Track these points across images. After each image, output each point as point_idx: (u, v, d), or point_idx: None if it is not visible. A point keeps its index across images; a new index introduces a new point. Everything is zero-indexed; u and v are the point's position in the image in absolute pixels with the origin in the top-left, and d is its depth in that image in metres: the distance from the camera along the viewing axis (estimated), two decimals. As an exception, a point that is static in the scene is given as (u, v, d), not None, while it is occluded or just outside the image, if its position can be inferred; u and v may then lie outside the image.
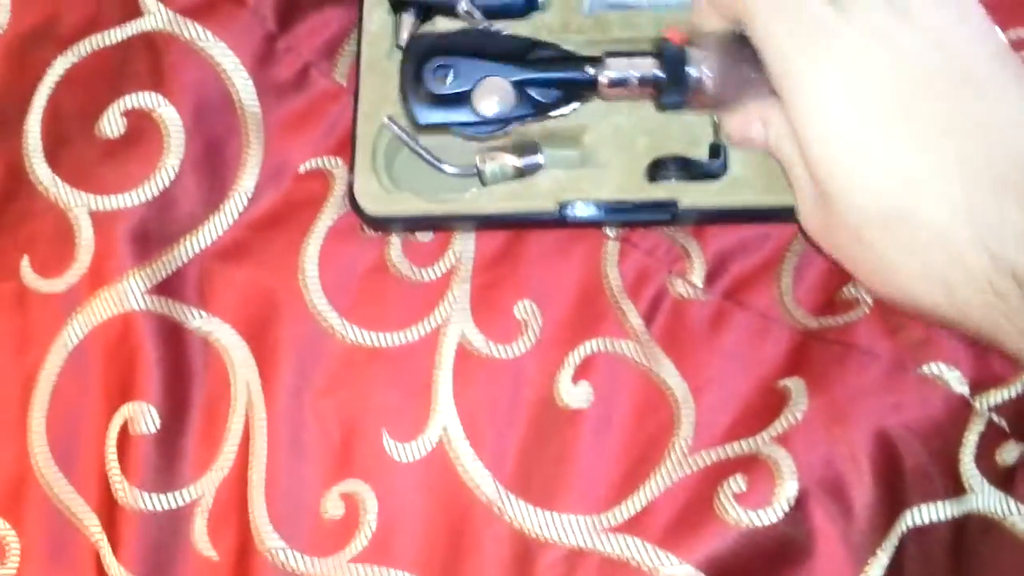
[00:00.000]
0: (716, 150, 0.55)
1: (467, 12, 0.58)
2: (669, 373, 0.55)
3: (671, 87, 0.50)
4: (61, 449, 0.57)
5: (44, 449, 0.57)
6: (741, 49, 0.47)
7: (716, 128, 0.56)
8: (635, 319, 0.57)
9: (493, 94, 0.51)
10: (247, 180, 0.60)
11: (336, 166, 0.60)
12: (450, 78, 0.51)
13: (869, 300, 0.55)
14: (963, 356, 0.53)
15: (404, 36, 0.59)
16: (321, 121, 0.61)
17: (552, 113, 0.54)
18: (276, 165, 0.60)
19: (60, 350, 0.57)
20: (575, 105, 0.54)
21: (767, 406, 0.54)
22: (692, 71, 0.49)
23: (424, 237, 0.59)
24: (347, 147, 0.58)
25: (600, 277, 0.58)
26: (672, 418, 0.55)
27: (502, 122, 0.53)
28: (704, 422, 0.54)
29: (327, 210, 0.59)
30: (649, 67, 0.50)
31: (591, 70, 0.51)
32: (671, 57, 0.49)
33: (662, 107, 0.52)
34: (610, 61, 0.51)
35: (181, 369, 0.57)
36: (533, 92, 0.53)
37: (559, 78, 0.53)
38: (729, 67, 0.48)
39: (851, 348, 0.54)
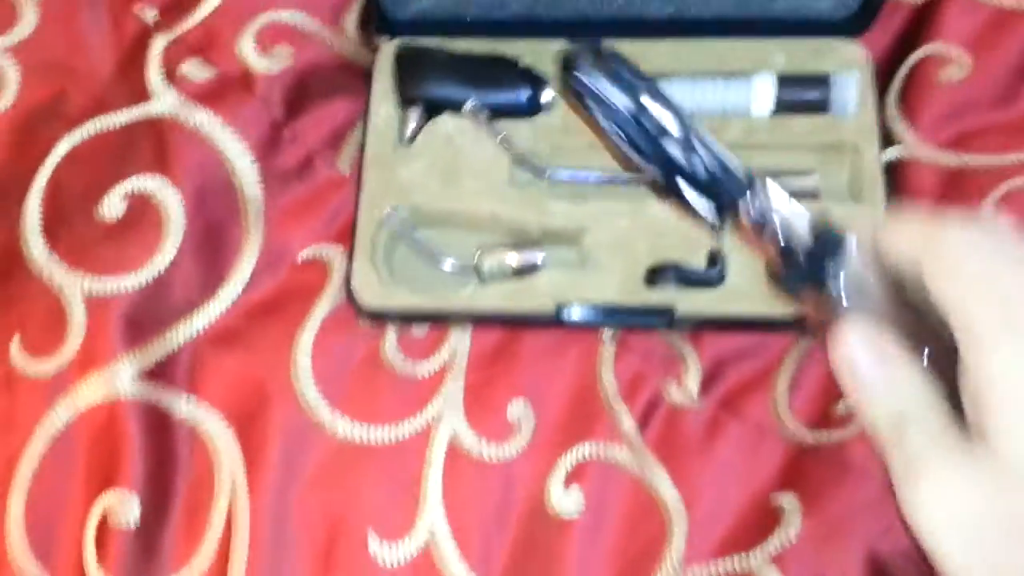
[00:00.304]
0: (714, 258, 0.56)
1: (473, 111, 0.58)
2: (662, 482, 0.54)
3: (807, 268, 0.37)
4: (38, 537, 0.55)
5: (21, 536, 0.55)
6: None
7: (715, 235, 0.56)
8: (629, 424, 0.56)
9: None
10: (245, 267, 0.59)
11: (335, 256, 0.60)
12: None
13: (865, 417, 0.54)
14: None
15: (410, 131, 0.60)
16: (323, 210, 0.61)
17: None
18: (275, 252, 0.60)
19: (44, 434, 0.56)
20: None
21: (760, 522, 0.53)
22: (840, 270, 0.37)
23: (420, 331, 0.59)
24: (347, 237, 0.58)
25: (595, 380, 0.57)
26: (664, 529, 0.54)
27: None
28: (696, 535, 0.53)
29: (323, 300, 0.59)
30: (793, 221, 0.38)
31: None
32: (830, 240, 0.37)
33: (777, 282, 0.40)
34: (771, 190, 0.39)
35: (165, 458, 0.56)
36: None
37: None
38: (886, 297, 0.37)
39: (845, 466, 0.53)
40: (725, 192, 0.38)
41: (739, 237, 0.40)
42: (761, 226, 0.38)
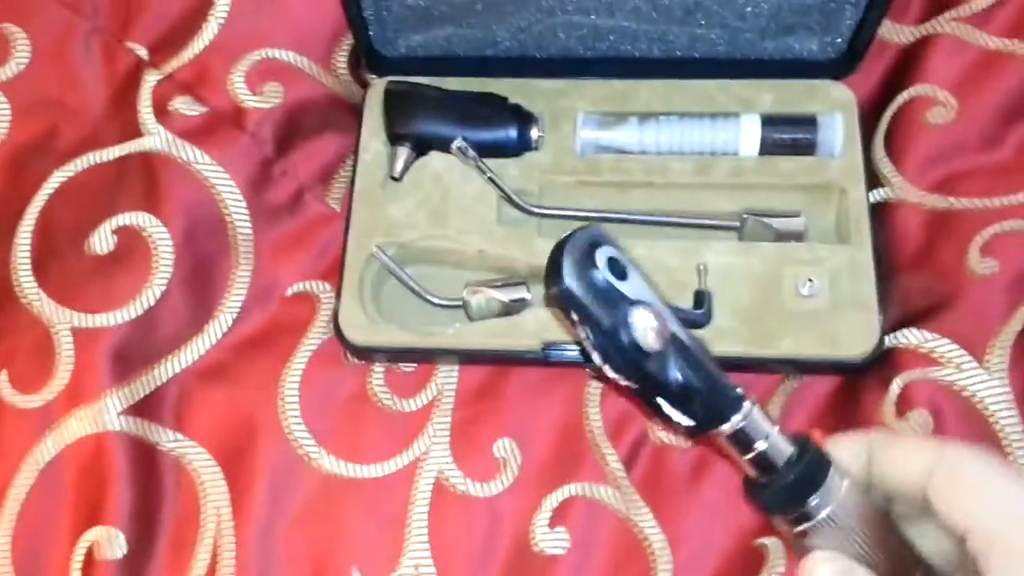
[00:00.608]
0: (700, 298, 0.56)
1: (461, 149, 0.59)
2: (647, 522, 0.54)
3: (784, 491, 0.36)
4: (25, 570, 0.55)
5: (7, 569, 0.55)
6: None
7: (701, 276, 0.56)
8: (615, 463, 0.56)
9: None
10: (233, 301, 0.60)
11: (324, 290, 0.61)
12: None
13: (850, 460, 0.54)
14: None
15: (398, 168, 0.60)
16: (312, 244, 0.62)
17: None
18: (264, 287, 0.60)
19: (32, 467, 0.56)
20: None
21: (745, 563, 0.53)
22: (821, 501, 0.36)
23: (407, 367, 0.59)
24: (336, 271, 0.59)
25: (581, 418, 0.57)
26: (648, 569, 0.54)
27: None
28: (681, 575, 0.53)
29: (311, 335, 0.59)
30: (775, 448, 0.37)
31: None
32: (811, 462, 0.36)
33: (750, 498, 0.38)
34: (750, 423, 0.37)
35: (152, 492, 0.56)
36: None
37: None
38: (870, 525, 0.37)
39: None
40: (709, 409, 0.37)
41: (714, 448, 0.38)
42: (744, 446, 0.36)
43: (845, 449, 0.37)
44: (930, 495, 0.34)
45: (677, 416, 0.37)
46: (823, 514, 0.35)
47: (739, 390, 0.37)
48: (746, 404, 0.36)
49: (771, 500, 0.37)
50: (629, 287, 0.36)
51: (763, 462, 0.36)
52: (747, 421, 0.36)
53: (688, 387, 0.36)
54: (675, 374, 0.36)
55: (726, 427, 0.36)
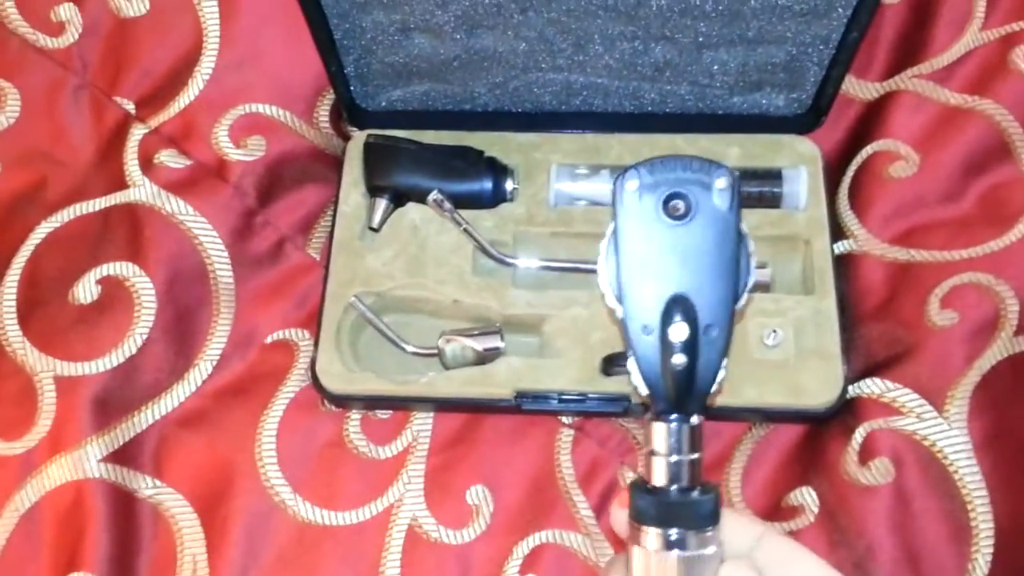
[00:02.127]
0: (669, 348, 0.57)
1: (437, 201, 0.60)
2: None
3: (665, 511, 0.38)
4: (1, 618, 0.56)
5: (-14, 615, 0.56)
6: None
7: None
8: (585, 511, 0.57)
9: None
10: (213, 349, 0.61)
11: (303, 338, 0.62)
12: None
13: (815, 509, 0.55)
14: (904, 572, 0.53)
15: (377, 219, 0.62)
16: (292, 293, 0.63)
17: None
18: (244, 335, 0.62)
19: (12, 514, 0.57)
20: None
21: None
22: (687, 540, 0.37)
23: (383, 415, 0.60)
24: (315, 319, 0.60)
25: (553, 465, 0.58)
26: (617, 617, 0.54)
27: None
28: (649, 623, 0.54)
29: (289, 383, 0.61)
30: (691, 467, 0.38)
31: None
32: (707, 502, 0.37)
33: (632, 495, 0.39)
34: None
35: (129, 539, 0.57)
36: None
37: None
38: None
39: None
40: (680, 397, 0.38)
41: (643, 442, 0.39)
42: (677, 447, 0.37)
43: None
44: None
45: (638, 383, 0.38)
46: (684, 553, 0.36)
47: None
48: (694, 416, 0.38)
49: (648, 509, 0.37)
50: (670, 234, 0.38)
51: (674, 472, 0.37)
52: (697, 428, 0.38)
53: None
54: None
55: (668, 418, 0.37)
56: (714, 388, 0.38)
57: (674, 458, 0.37)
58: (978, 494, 0.53)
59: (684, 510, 0.37)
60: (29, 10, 0.65)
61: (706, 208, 0.38)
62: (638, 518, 0.37)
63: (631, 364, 0.39)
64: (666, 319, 0.37)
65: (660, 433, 0.37)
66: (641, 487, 0.38)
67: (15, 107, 0.65)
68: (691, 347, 0.37)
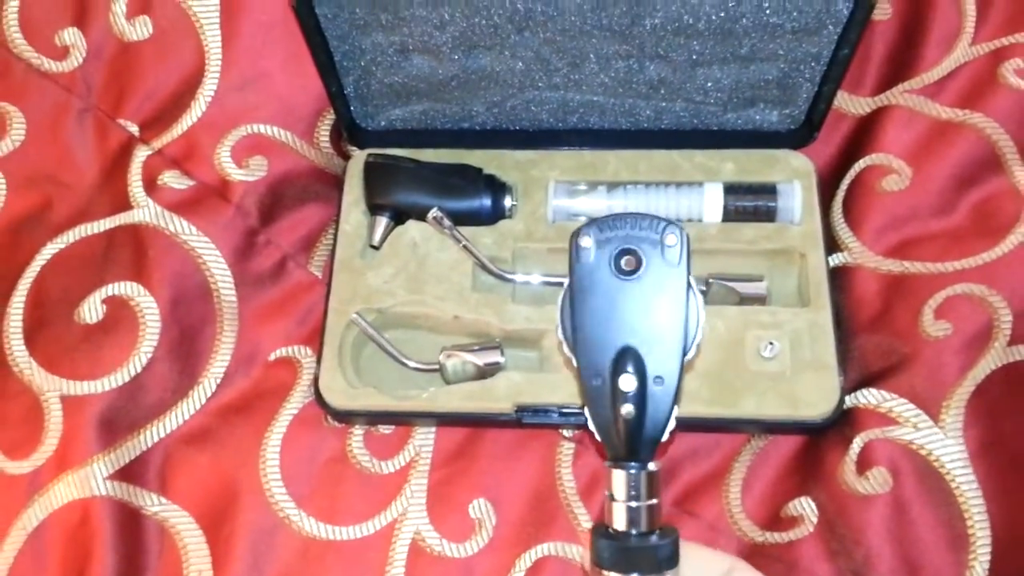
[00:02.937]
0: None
1: (436, 218, 0.61)
2: (617, 581, 0.56)
3: (623, 553, 0.39)
4: (10, 634, 0.57)
5: (-7, 634, 0.57)
6: None
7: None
8: (587, 523, 0.57)
9: None
10: (217, 367, 0.62)
11: (305, 355, 0.63)
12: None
13: (814, 519, 0.56)
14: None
15: (377, 237, 0.62)
16: (295, 310, 0.64)
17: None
18: (248, 352, 0.63)
19: (19, 532, 0.58)
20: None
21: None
22: None
23: (386, 430, 0.61)
24: (317, 336, 0.61)
25: (554, 478, 0.59)
26: (619, 628, 0.55)
27: None
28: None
29: (292, 399, 0.61)
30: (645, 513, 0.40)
31: None
32: (663, 548, 0.39)
33: (593, 540, 0.40)
34: None
35: (136, 556, 0.58)
36: None
37: None
38: None
39: (793, 567, 0.55)
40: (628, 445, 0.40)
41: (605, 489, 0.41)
42: (626, 496, 0.39)
43: None
44: None
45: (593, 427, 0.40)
46: None
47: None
48: (651, 463, 0.39)
49: (607, 553, 0.39)
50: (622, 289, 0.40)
51: (633, 518, 0.39)
52: (654, 475, 0.39)
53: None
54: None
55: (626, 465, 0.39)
56: (665, 437, 0.40)
57: (633, 504, 0.39)
58: (975, 502, 0.54)
59: (642, 554, 0.38)
60: (34, 34, 0.66)
61: (657, 264, 0.40)
62: (599, 562, 0.39)
63: (586, 412, 0.41)
64: (616, 370, 0.39)
65: (618, 479, 0.39)
66: (602, 531, 0.40)
67: (20, 130, 0.66)
68: (640, 398, 0.39)
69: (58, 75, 0.66)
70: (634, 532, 0.39)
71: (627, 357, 0.39)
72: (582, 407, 0.43)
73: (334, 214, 0.65)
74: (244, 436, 0.60)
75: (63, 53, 0.66)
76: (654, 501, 0.39)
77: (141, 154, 0.66)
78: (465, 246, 0.61)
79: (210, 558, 0.58)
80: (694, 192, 0.62)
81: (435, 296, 0.61)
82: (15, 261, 0.64)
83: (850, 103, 0.65)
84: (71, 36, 0.66)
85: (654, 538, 0.39)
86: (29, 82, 0.66)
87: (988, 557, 0.53)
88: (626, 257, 0.40)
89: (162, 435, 0.60)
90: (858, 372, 0.59)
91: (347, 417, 0.60)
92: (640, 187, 0.63)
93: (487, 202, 0.62)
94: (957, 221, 0.61)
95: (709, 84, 0.60)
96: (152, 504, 0.59)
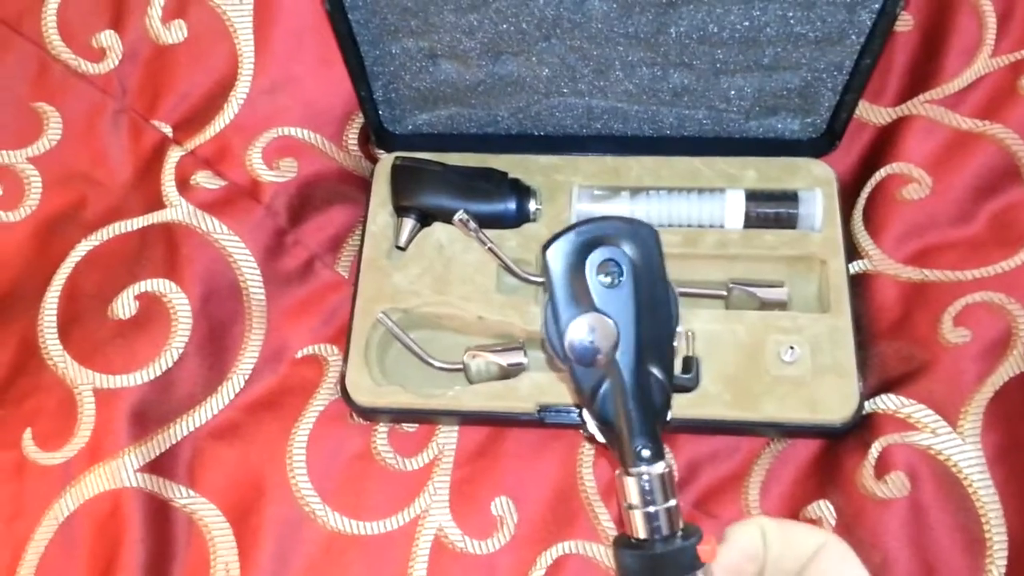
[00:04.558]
0: (689, 364, 0.58)
1: (462, 221, 0.62)
2: (637, 580, 0.57)
3: (648, 561, 0.39)
4: (41, 624, 0.58)
5: (24, 623, 0.58)
6: None
7: (689, 342, 0.59)
8: (607, 522, 0.58)
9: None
10: (246, 363, 0.63)
11: (332, 353, 0.64)
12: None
13: (832, 522, 0.56)
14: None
15: (404, 238, 0.64)
16: (321, 309, 0.65)
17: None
18: (275, 349, 0.64)
19: (51, 522, 0.59)
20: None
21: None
22: None
23: (410, 427, 0.62)
24: (343, 335, 0.62)
25: (575, 478, 0.60)
26: (638, 626, 0.55)
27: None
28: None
29: (319, 396, 0.62)
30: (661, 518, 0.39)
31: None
32: (684, 550, 0.39)
33: (615, 550, 0.41)
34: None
35: (164, 548, 0.59)
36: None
37: None
38: None
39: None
40: (621, 450, 0.40)
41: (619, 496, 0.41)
42: (642, 502, 0.39)
43: (743, 533, 0.39)
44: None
45: (594, 428, 0.41)
46: None
47: (648, 452, 0.39)
48: (659, 464, 0.39)
49: (633, 563, 0.39)
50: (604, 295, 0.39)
51: (654, 523, 0.39)
52: (666, 475, 0.39)
53: (606, 418, 0.40)
54: (603, 400, 0.40)
55: (637, 471, 0.39)
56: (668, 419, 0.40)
57: (651, 509, 0.39)
58: (992, 507, 0.54)
59: (670, 559, 0.38)
60: (71, 37, 0.68)
61: (636, 268, 0.40)
62: (626, 574, 0.39)
63: (585, 415, 0.41)
64: (609, 372, 0.40)
65: (632, 487, 0.39)
66: (625, 542, 0.40)
67: (57, 130, 0.68)
68: (638, 392, 0.40)
69: (94, 77, 0.68)
70: (657, 538, 0.39)
71: (618, 358, 0.40)
72: (580, 412, 0.43)
73: (361, 215, 0.66)
74: (271, 431, 0.62)
75: (99, 55, 0.68)
76: (672, 503, 0.39)
77: (174, 155, 0.67)
78: (490, 248, 0.62)
79: (236, 550, 0.59)
80: (716, 198, 0.63)
81: (460, 297, 0.62)
82: (50, 257, 0.65)
83: (871, 112, 0.66)
84: (107, 39, 0.68)
85: (678, 540, 0.38)
86: (66, 83, 0.68)
87: (1004, 561, 0.53)
88: (606, 268, 0.40)
89: (191, 429, 0.61)
90: (877, 377, 0.59)
91: (372, 414, 0.61)
92: (662, 193, 0.63)
93: (512, 205, 0.63)
94: (976, 230, 0.61)
95: (732, 92, 0.61)
96: (181, 496, 0.60)
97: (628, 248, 0.40)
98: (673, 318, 0.41)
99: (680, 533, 0.39)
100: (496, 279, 0.63)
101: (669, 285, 0.41)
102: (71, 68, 0.68)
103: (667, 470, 0.40)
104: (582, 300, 0.40)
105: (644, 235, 0.40)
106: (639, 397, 0.40)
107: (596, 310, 0.40)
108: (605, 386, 0.40)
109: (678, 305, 0.41)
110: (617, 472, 0.40)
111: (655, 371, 0.40)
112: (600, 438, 0.41)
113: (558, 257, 0.40)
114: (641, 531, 0.39)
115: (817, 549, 0.37)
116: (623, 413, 0.40)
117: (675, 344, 0.41)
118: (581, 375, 0.40)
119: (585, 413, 0.41)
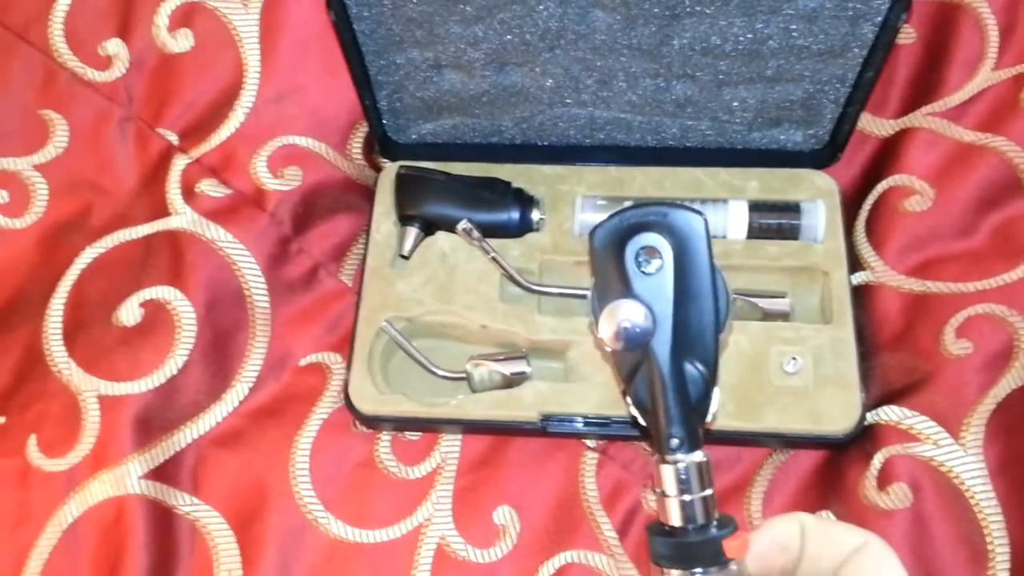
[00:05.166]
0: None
1: (465, 230, 0.63)
2: (639, 590, 0.57)
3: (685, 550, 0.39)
4: (42, 631, 0.58)
5: (26, 629, 0.58)
6: None
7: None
8: (609, 532, 0.58)
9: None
10: (249, 371, 0.63)
11: (335, 362, 0.64)
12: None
13: (832, 532, 0.56)
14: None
15: (407, 247, 0.64)
16: (325, 317, 0.65)
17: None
18: (279, 357, 0.64)
19: (55, 528, 0.59)
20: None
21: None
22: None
23: (413, 436, 0.62)
24: (347, 343, 0.62)
25: (578, 487, 0.60)
26: (640, 636, 0.56)
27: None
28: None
29: (322, 404, 0.63)
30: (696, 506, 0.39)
31: None
32: (714, 540, 0.38)
33: (650, 537, 0.40)
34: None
35: (167, 555, 0.59)
36: None
37: None
38: None
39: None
40: (657, 436, 0.40)
41: (649, 486, 0.40)
42: (677, 490, 0.39)
43: (780, 524, 0.39)
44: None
45: (636, 414, 0.41)
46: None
47: (678, 442, 0.39)
48: (696, 453, 0.39)
49: (670, 548, 0.39)
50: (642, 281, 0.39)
51: (688, 512, 0.39)
52: (704, 464, 0.39)
53: (641, 403, 0.40)
54: (638, 384, 0.40)
55: (673, 459, 0.39)
56: (709, 418, 0.40)
57: (686, 497, 0.39)
58: (994, 519, 0.54)
59: (703, 548, 0.38)
60: (78, 45, 0.68)
61: (678, 255, 0.40)
62: (658, 561, 0.39)
63: (628, 400, 0.41)
64: (653, 357, 0.40)
65: (668, 475, 0.39)
66: (658, 529, 0.39)
67: (63, 137, 0.68)
68: (679, 380, 0.40)
69: (101, 84, 0.68)
70: (691, 527, 0.38)
71: (653, 345, 0.40)
72: (624, 394, 0.43)
73: (365, 224, 0.66)
74: (274, 439, 0.62)
75: (106, 63, 0.68)
76: (708, 492, 0.39)
77: (180, 163, 0.67)
78: (493, 258, 0.62)
79: (240, 557, 0.59)
80: (719, 209, 0.63)
81: (463, 306, 0.62)
82: (56, 264, 0.65)
83: (874, 125, 0.67)
84: (114, 47, 0.68)
85: (713, 530, 0.38)
86: (73, 91, 0.68)
87: (1007, 573, 0.54)
88: (645, 255, 0.40)
89: (195, 436, 0.61)
90: (880, 389, 0.60)
91: (375, 423, 0.62)
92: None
93: (515, 215, 0.64)
94: (978, 242, 0.62)
95: (735, 104, 0.62)
96: (184, 503, 0.60)
97: (670, 236, 0.40)
98: (719, 311, 0.40)
99: (715, 523, 0.39)
100: (499, 288, 0.63)
101: (718, 277, 0.40)
102: (78, 76, 0.68)
103: (704, 459, 0.39)
104: (621, 285, 0.40)
105: (691, 223, 0.40)
106: (675, 387, 0.40)
107: (632, 296, 0.40)
108: (641, 371, 0.40)
109: (729, 298, 0.41)
110: (654, 458, 0.40)
111: (695, 363, 0.40)
112: (641, 421, 0.41)
113: (602, 241, 0.40)
114: (676, 519, 0.39)
115: (857, 548, 0.37)
116: (657, 400, 0.40)
117: (723, 337, 0.40)
118: (620, 357, 0.41)
119: (628, 398, 0.41)
